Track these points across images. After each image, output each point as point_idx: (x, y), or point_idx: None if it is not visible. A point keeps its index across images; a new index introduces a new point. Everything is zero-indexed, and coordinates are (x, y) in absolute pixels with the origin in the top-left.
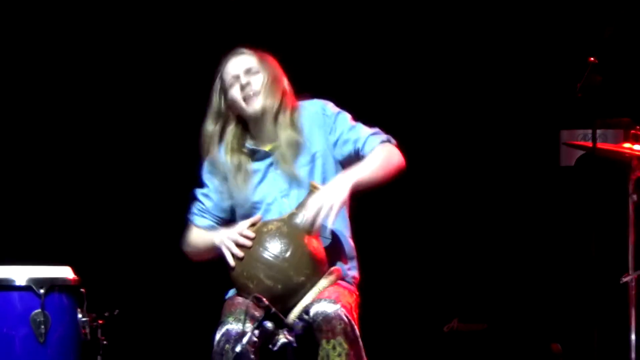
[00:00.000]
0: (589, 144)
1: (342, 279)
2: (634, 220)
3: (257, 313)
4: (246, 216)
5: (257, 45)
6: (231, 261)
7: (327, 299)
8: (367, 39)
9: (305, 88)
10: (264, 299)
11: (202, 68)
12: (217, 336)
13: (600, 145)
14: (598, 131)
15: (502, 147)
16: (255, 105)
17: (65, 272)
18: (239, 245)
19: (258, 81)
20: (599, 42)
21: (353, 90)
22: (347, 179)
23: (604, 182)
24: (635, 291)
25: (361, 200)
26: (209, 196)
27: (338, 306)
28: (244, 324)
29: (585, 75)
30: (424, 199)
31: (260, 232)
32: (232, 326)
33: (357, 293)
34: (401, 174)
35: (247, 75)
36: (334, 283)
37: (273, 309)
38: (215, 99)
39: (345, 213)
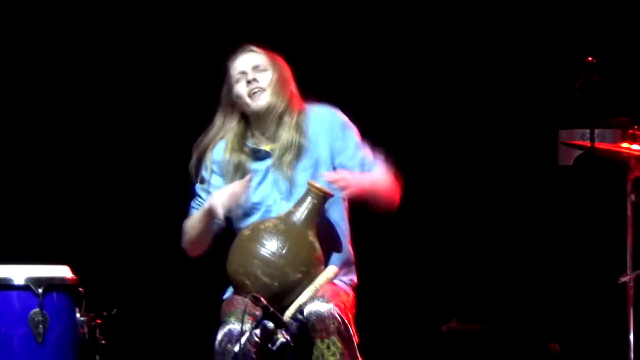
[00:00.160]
0: (587, 143)
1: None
2: (632, 219)
3: (257, 312)
4: (245, 217)
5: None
6: (220, 211)
7: (320, 299)
8: (367, 39)
9: (305, 89)
10: (262, 299)
11: (202, 68)
12: (219, 336)
13: (598, 144)
14: (596, 131)
15: (501, 147)
16: (260, 102)
17: (63, 272)
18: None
19: (265, 78)
20: (598, 42)
21: (353, 90)
22: (365, 180)
23: (602, 181)
24: (634, 291)
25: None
26: (209, 192)
27: (331, 305)
28: (243, 323)
29: (583, 74)
30: (423, 199)
31: (258, 230)
32: (234, 326)
33: (354, 294)
34: (391, 207)
35: (254, 72)
36: (330, 281)
37: (271, 309)
38: (222, 95)
39: (345, 217)
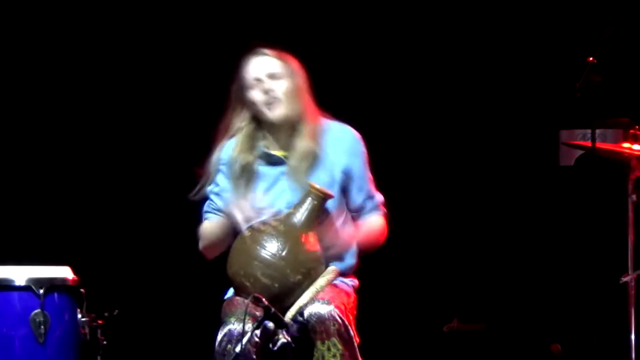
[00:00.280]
0: (588, 143)
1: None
2: (633, 220)
3: (258, 313)
4: (247, 221)
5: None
6: (243, 224)
7: (320, 300)
8: (367, 39)
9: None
10: (264, 299)
11: (206, 69)
12: (219, 336)
13: (599, 145)
14: (597, 131)
15: (502, 147)
16: (277, 113)
17: (64, 272)
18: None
19: (281, 87)
20: (598, 42)
21: (352, 90)
22: (354, 238)
23: (603, 182)
24: (635, 291)
25: None
26: (221, 195)
27: (331, 307)
28: (244, 324)
29: (584, 75)
30: (423, 199)
31: (258, 231)
32: (234, 326)
33: (355, 295)
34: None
35: (270, 80)
36: (331, 282)
37: (273, 309)
38: (232, 92)
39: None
